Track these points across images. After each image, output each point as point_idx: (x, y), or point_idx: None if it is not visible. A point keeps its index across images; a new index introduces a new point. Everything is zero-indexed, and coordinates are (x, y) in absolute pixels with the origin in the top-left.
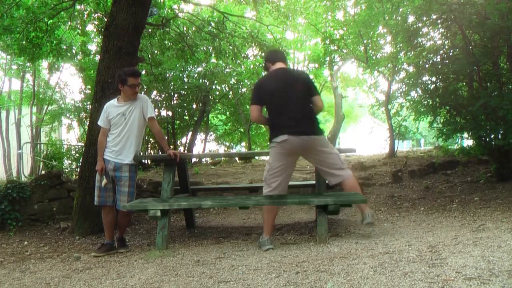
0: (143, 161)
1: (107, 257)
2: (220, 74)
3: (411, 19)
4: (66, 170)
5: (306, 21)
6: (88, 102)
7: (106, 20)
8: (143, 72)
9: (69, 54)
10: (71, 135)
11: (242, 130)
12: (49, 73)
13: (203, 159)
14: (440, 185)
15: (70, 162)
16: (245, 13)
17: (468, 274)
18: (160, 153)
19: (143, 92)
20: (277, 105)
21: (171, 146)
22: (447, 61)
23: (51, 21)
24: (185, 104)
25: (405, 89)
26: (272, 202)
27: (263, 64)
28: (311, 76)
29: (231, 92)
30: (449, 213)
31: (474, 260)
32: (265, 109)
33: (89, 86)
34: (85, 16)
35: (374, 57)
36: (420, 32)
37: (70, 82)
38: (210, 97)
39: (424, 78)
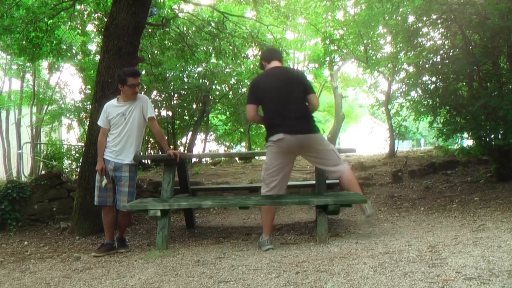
0: (143, 161)
1: (107, 257)
2: (220, 74)
3: (411, 19)
4: (66, 170)
5: (306, 21)
6: (88, 102)
7: (106, 20)
8: (143, 72)
9: (69, 54)
10: (71, 135)
11: (242, 130)
12: (49, 73)
13: (203, 159)
14: (440, 185)
15: (70, 162)
16: (245, 13)
17: (468, 274)
18: (160, 153)
19: (143, 92)
20: (272, 104)
21: (171, 146)
22: (447, 61)
23: (51, 21)
24: (185, 104)
25: (405, 89)
26: (272, 202)
27: (259, 63)
28: (307, 75)
29: (231, 92)
30: (449, 213)
31: (474, 260)
32: (261, 108)
33: (89, 86)
34: (85, 16)
35: (374, 57)
36: (420, 32)
37: (70, 82)
38: (210, 97)
39: (424, 78)
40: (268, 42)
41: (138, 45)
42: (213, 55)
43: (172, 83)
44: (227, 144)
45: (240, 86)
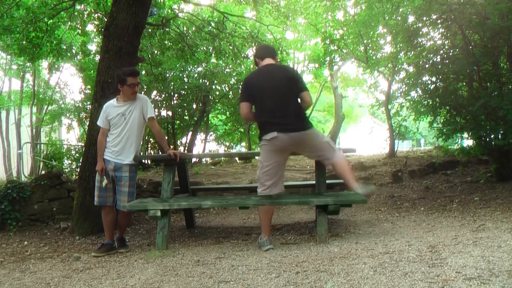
0: (143, 161)
1: (107, 257)
2: (220, 74)
3: (411, 19)
4: (66, 170)
5: (306, 21)
6: (88, 102)
7: (106, 20)
8: (143, 72)
9: (69, 54)
10: (71, 135)
11: (242, 130)
12: (49, 73)
13: (203, 159)
14: (440, 185)
15: (70, 162)
16: (245, 13)
17: (468, 274)
18: (160, 153)
19: (143, 92)
20: (265, 102)
21: (171, 146)
22: (447, 61)
23: (51, 21)
24: (185, 104)
25: (405, 89)
26: (272, 202)
27: (253, 60)
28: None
29: (231, 92)
30: (449, 213)
31: (474, 260)
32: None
33: (89, 86)
34: (85, 16)
35: (374, 57)
36: (420, 32)
37: (70, 82)
38: (210, 97)
39: (424, 78)
40: (268, 42)
41: (138, 45)
42: (213, 55)
43: (172, 83)
44: (227, 144)
45: (240, 86)
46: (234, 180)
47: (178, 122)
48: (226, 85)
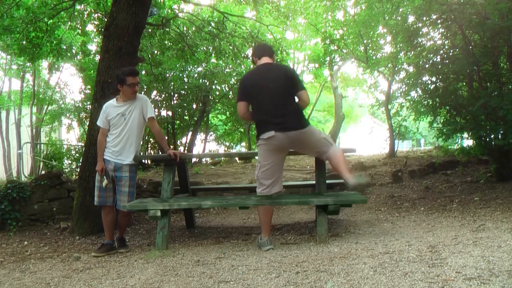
0: (143, 161)
1: (107, 257)
2: (220, 74)
3: (411, 19)
4: (66, 170)
5: (306, 21)
6: (88, 102)
7: (106, 20)
8: (143, 72)
9: (69, 54)
10: (71, 135)
11: (242, 130)
12: (49, 73)
13: (203, 159)
14: (440, 185)
15: (70, 162)
16: (245, 13)
17: (468, 274)
18: (160, 153)
19: (143, 92)
20: (262, 101)
21: (171, 146)
22: (447, 61)
23: (51, 21)
24: (185, 104)
25: (405, 89)
26: (272, 202)
27: (251, 59)
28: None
29: (231, 92)
30: (449, 213)
31: (474, 260)
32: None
33: (89, 86)
34: (85, 16)
35: (374, 57)
36: (420, 32)
37: (70, 82)
38: (210, 97)
39: (424, 78)
40: (268, 42)
41: (138, 45)
42: (213, 55)
43: (172, 83)
44: (227, 144)
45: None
46: (234, 180)
47: (178, 122)
48: (226, 85)
